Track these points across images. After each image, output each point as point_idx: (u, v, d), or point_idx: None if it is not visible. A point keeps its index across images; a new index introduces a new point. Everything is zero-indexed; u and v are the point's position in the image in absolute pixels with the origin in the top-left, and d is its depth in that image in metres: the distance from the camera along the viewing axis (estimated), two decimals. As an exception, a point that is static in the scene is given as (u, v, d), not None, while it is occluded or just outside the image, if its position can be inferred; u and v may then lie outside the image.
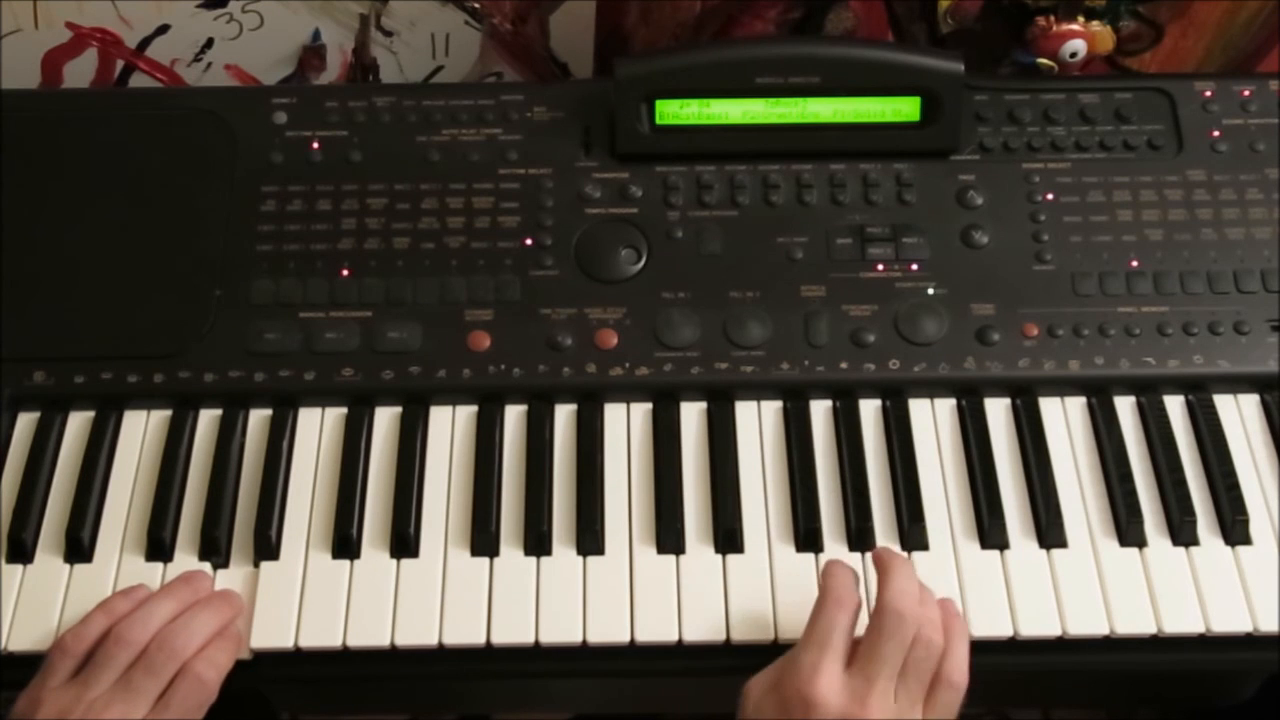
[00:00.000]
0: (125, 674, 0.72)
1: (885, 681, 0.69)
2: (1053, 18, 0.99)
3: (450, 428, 0.85)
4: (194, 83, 1.07)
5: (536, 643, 0.76)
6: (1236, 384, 0.85)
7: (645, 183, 0.91)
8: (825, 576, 0.74)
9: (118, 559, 0.80)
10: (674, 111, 0.90)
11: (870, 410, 0.85)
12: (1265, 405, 0.85)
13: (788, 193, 0.91)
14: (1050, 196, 0.90)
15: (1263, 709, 1.04)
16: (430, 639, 0.76)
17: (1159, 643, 0.77)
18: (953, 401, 0.85)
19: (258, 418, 0.85)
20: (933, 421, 0.85)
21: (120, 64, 1.06)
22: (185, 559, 0.80)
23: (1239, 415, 0.85)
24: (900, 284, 0.87)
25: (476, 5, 1.04)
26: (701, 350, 0.85)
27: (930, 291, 0.87)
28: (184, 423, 0.84)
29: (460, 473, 0.83)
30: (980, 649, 0.76)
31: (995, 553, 0.79)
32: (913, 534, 0.79)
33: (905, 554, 0.79)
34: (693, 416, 0.85)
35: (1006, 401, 0.85)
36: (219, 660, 0.74)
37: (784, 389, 0.85)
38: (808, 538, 0.80)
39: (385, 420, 0.85)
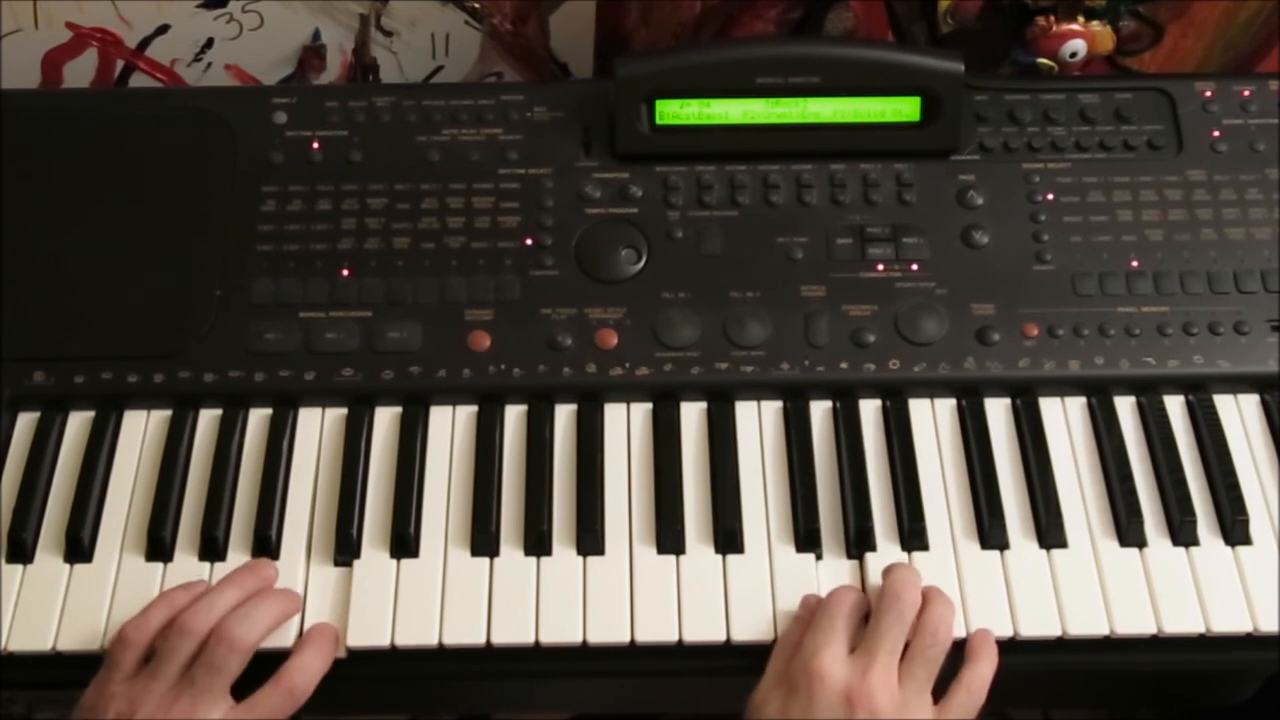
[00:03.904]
0: (189, 670, 0.72)
1: (885, 657, 0.72)
2: (1053, 18, 0.99)
3: (450, 428, 0.85)
4: (194, 83, 1.07)
5: (536, 643, 0.76)
6: (1236, 384, 0.85)
7: (645, 183, 0.91)
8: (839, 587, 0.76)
9: (118, 559, 0.80)
10: (674, 111, 0.90)
11: (870, 410, 0.85)
12: (1265, 405, 0.85)
13: (788, 193, 0.91)
14: (1050, 196, 0.90)
15: (1263, 709, 1.04)
16: (430, 639, 0.76)
17: (1159, 643, 0.77)
18: (953, 401, 0.85)
19: (258, 418, 0.85)
20: (933, 421, 0.85)
21: (120, 64, 1.06)
22: (185, 559, 0.80)
23: (1239, 415, 0.85)
24: (900, 284, 0.87)
25: (476, 5, 1.04)
26: (701, 350, 0.85)
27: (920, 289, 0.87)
28: (184, 423, 0.84)
29: (460, 473, 0.83)
30: (980, 649, 0.77)
31: (995, 553, 0.79)
32: (913, 534, 0.79)
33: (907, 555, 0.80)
34: (693, 416, 0.85)
35: (1006, 401, 0.85)
36: (311, 667, 0.74)
37: (784, 389, 0.85)
38: (808, 538, 0.80)
39: (385, 420, 0.85)
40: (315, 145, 0.92)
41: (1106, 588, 0.78)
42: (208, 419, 0.85)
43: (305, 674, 0.73)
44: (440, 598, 0.78)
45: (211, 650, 0.72)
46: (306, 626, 0.77)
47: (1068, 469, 0.83)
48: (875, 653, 0.72)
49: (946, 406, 0.85)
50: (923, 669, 0.73)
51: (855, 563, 0.79)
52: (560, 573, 0.78)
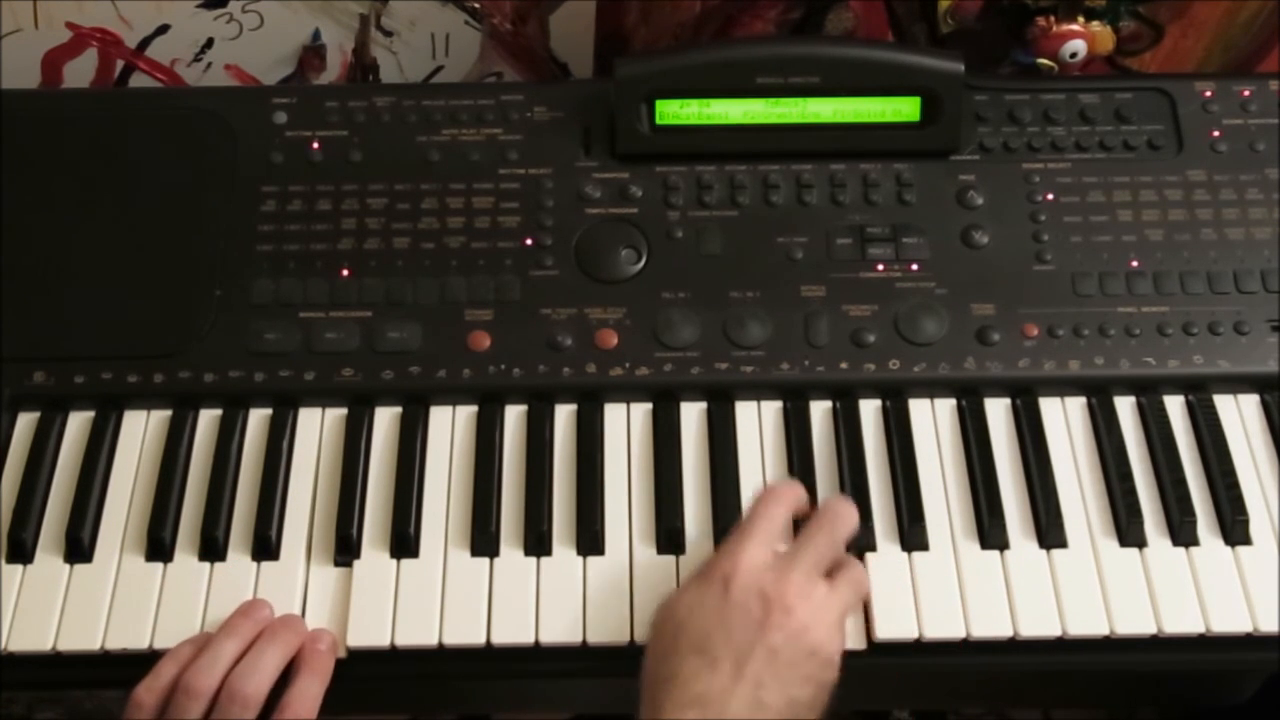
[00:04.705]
0: None
1: (808, 567, 0.71)
2: (1053, 18, 0.99)
3: (450, 428, 0.85)
4: (194, 83, 1.07)
5: (536, 643, 0.76)
6: (1236, 384, 0.85)
7: (645, 183, 0.91)
8: (770, 485, 0.77)
9: (118, 559, 0.80)
10: (674, 111, 0.90)
11: (870, 410, 0.85)
12: (1265, 405, 0.85)
13: (788, 193, 0.91)
14: (1050, 196, 0.90)
15: (1263, 709, 1.04)
16: (430, 639, 0.76)
17: (1159, 643, 0.77)
18: (953, 401, 0.85)
19: (258, 418, 0.85)
20: (933, 421, 0.85)
21: (120, 64, 1.06)
22: (185, 559, 0.80)
23: (1239, 415, 0.85)
24: (900, 284, 0.87)
25: (476, 5, 1.04)
26: (701, 350, 0.85)
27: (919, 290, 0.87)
28: (184, 423, 0.84)
29: (460, 473, 0.83)
30: (980, 649, 0.77)
31: (995, 553, 0.79)
32: (913, 534, 0.79)
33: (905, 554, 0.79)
34: (693, 416, 0.85)
35: (1006, 401, 0.85)
36: (311, 691, 0.73)
37: (784, 389, 0.85)
38: (808, 538, 0.79)
39: (385, 420, 0.85)
40: (315, 145, 0.92)
41: (1106, 588, 0.78)
42: (208, 419, 0.85)
43: (306, 700, 0.73)
44: (440, 598, 0.78)
45: (225, 708, 0.71)
46: (308, 628, 0.77)
47: (1068, 469, 0.83)
48: (798, 560, 0.71)
49: (946, 406, 0.85)
50: (851, 591, 0.73)
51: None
52: (560, 573, 0.78)
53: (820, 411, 0.85)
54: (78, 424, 0.85)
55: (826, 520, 0.74)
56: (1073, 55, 0.99)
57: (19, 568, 0.79)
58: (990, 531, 0.80)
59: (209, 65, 1.07)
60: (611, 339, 0.85)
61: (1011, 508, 0.81)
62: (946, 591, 0.77)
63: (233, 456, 0.83)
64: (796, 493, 0.77)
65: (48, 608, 0.78)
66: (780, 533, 0.74)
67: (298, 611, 0.78)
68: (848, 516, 0.75)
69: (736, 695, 0.66)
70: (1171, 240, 0.89)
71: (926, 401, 0.85)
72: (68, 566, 0.79)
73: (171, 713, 0.72)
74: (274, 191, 0.90)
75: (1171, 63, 1.06)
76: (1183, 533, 0.79)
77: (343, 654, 0.76)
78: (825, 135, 0.91)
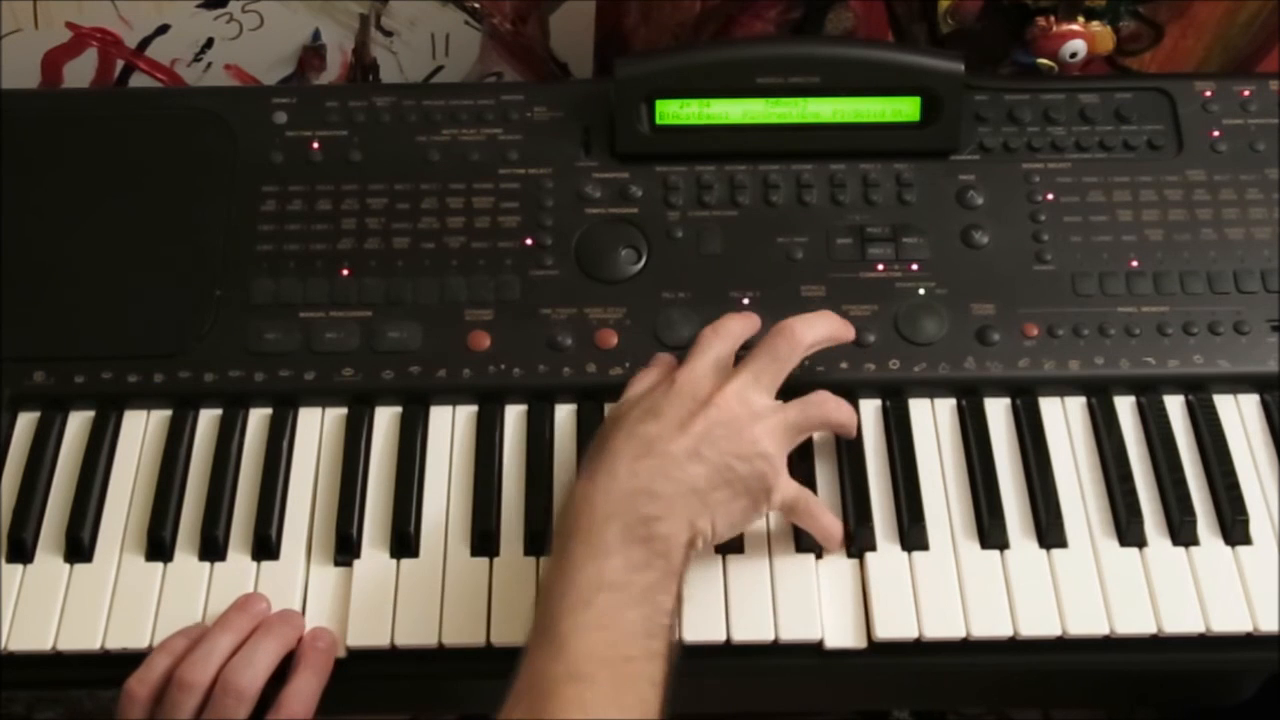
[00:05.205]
0: None
1: (748, 375, 0.75)
2: (1053, 18, 0.99)
3: (450, 428, 0.85)
4: (194, 83, 1.07)
5: (536, 643, 0.76)
6: (1236, 384, 0.85)
7: (645, 183, 0.91)
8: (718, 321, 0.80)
9: (118, 559, 0.80)
10: (674, 111, 0.90)
11: (870, 410, 0.85)
12: (1265, 405, 0.85)
13: (788, 193, 0.91)
14: (1050, 196, 0.90)
15: (1263, 709, 1.04)
16: (430, 639, 0.76)
17: (1159, 643, 0.77)
18: (953, 401, 0.85)
19: (258, 418, 0.85)
20: (933, 421, 0.85)
21: (120, 64, 1.06)
22: (185, 559, 0.80)
23: (1239, 415, 0.85)
24: (900, 284, 0.87)
25: (476, 5, 1.04)
26: (701, 350, 0.85)
27: (922, 291, 0.87)
28: (184, 423, 0.84)
29: (460, 472, 0.83)
30: (980, 649, 0.77)
31: (995, 552, 0.79)
32: (913, 534, 0.79)
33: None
34: (693, 416, 0.85)
35: (1006, 401, 0.85)
36: (309, 689, 0.73)
37: (784, 389, 0.85)
38: (808, 536, 0.79)
39: (385, 420, 0.85)
40: (315, 145, 0.92)
41: (1106, 587, 0.78)
42: (208, 419, 0.85)
43: (303, 698, 0.73)
44: (440, 598, 0.78)
45: (219, 702, 0.71)
46: (307, 627, 0.77)
47: (1068, 469, 0.83)
48: (739, 372, 0.75)
49: (946, 406, 0.85)
50: (797, 411, 0.76)
51: (855, 562, 0.79)
52: (560, 573, 0.78)
53: (820, 411, 0.85)
54: (78, 424, 0.85)
55: (768, 341, 0.77)
56: (1073, 55, 0.99)
57: (19, 568, 0.79)
58: (990, 531, 0.80)
59: (209, 65, 1.07)
60: (611, 339, 0.85)
61: (1011, 507, 0.81)
62: (946, 591, 0.77)
63: (233, 456, 0.83)
64: (740, 330, 0.79)
65: (48, 607, 0.78)
66: (725, 360, 0.77)
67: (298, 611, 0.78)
68: (789, 334, 0.77)
69: (678, 442, 0.71)
70: (1171, 240, 0.89)
71: (926, 401, 0.85)
72: (68, 566, 0.79)
73: (165, 706, 0.72)
74: (274, 191, 0.90)
75: (1171, 63, 1.06)
76: (1183, 532, 0.79)
77: (342, 654, 0.76)
78: (825, 135, 0.91)
